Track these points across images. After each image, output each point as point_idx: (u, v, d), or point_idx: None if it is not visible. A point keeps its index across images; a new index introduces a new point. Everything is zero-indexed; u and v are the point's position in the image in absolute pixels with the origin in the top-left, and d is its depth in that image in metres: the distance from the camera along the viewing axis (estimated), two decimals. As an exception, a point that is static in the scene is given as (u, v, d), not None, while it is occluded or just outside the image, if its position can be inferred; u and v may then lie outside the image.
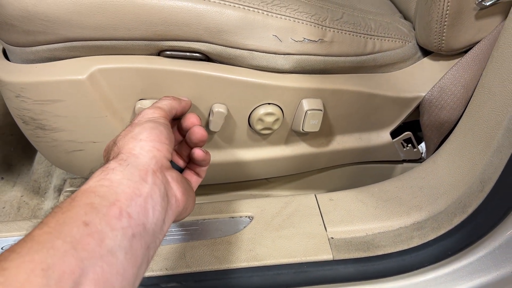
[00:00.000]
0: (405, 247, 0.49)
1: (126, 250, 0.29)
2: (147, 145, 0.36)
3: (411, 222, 0.51)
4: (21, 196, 0.73)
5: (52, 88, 0.50)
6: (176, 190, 0.36)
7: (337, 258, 0.49)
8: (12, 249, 0.25)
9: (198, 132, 0.44)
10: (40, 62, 0.51)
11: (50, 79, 0.50)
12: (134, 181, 0.32)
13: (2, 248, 0.50)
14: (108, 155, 0.38)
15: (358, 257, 0.49)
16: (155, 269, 0.48)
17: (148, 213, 0.32)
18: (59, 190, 0.72)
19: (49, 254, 0.25)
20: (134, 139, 0.36)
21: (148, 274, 0.47)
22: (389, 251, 0.49)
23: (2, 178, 0.76)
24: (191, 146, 0.45)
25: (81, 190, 0.31)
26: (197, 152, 0.43)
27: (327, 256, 0.49)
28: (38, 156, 0.77)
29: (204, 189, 0.69)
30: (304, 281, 0.49)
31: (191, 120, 0.45)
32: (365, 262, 0.49)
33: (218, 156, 0.60)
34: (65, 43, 0.49)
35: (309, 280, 0.49)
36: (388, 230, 0.52)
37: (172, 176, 0.36)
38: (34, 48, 0.50)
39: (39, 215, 0.70)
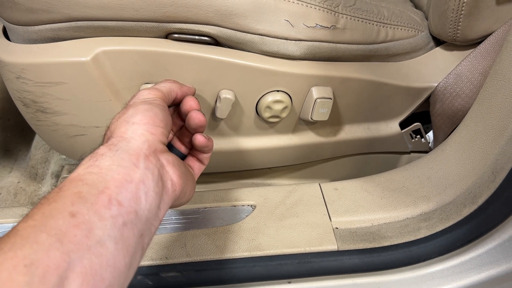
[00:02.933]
0: (412, 238, 0.48)
1: (117, 239, 0.28)
2: (139, 129, 0.34)
3: (418, 213, 0.50)
4: (18, 182, 0.71)
5: (54, 69, 0.49)
6: (173, 174, 0.34)
7: (342, 248, 0.48)
8: None
9: (196, 117, 0.41)
10: (43, 43, 0.50)
11: (52, 60, 0.48)
12: (124, 167, 0.31)
13: (-2, 234, 0.49)
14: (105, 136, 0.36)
15: (364, 248, 0.48)
16: (155, 258, 0.47)
17: (140, 200, 0.30)
18: (57, 177, 0.70)
19: (32, 249, 0.24)
20: (127, 122, 0.35)
21: (148, 263, 0.46)
22: (396, 242, 0.48)
23: (-1, 163, 0.74)
24: (191, 132, 0.43)
25: (69, 178, 0.29)
26: (198, 138, 0.41)
27: (332, 246, 0.48)
28: (36, 142, 0.76)
29: (206, 177, 0.68)
30: (308, 272, 0.48)
31: (189, 103, 0.42)
32: (371, 253, 0.48)
33: (224, 143, 0.58)
34: (69, 23, 0.48)
35: (313, 271, 0.48)
36: (395, 221, 0.50)
37: (167, 160, 0.35)
38: (37, 28, 0.49)
39: (36, 201, 0.68)
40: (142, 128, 0.34)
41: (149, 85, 0.50)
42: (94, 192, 0.28)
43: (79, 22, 0.48)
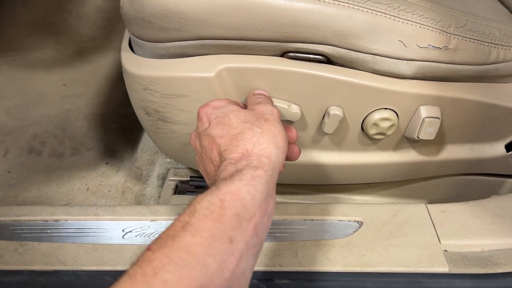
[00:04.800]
0: (528, 267, 0.47)
1: (251, 269, 0.30)
2: (280, 157, 0.36)
3: (534, 242, 0.49)
4: (125, 181, 0.77)
5: (180, 83, 0.53)
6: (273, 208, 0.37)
7: (453, 271, 0.48)
8: (167, 255, 0.26)
9: (296, 152, 0.44)
10: (169, 57, 0.54)
11: (179, 74, 0.52)
12: (269, 195, 0.32)
13: (123, 231, 0.54)
14: (234, 135, 0.37)
15: (476, 273, 0.48)
16: (269, 265, 0.49)
17: (265, 232, 0.32)
18: (163, 179, 0.76)
19: (202, 272, 0.26)
20: (274, 143, 0.36)
21: (262, 268, 0.49)
22: (510, 270, 0.47)
23: (107, 163, 0.81)
24: None
25: (230, 191, 0.30)
26: (281, 169, 0.43)
27: (443, 268, 0.48)
28: (143, 145, 0.82)
29: (302, 188, 0.70)
30: (417, 292, 0.48)
31: (291, 134, 0.45)
32: (483, 279, 0.47)
33: (325, 157, 0.60)
34: (196, 41, 0.52)
35: (423, 292, 0.48)
36: (508, 248, 0.49)
37: None
38: (166, 44, 0.53)
39: (142, 201, 0.74)
40: (281, 157, 0.36)
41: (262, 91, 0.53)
42: (247, 218, 0.30)
43: (205, 40, 0.51)
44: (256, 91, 0.52)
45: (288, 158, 0.44)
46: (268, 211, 0.32)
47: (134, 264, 0.26)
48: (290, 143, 0.43)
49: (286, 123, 0.55)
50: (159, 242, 0.27)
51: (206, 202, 0.30)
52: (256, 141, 0.35)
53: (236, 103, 0.46)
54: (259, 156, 0.34)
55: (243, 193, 0.31)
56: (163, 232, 0.28)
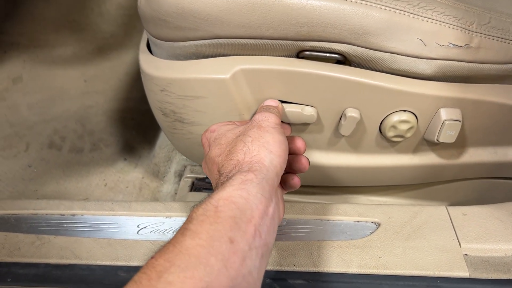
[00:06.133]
0: (553, 274, 0.45)
1: (258, 270, 0.30)
2: (275, 160, 0.36)
3: (559, 248, 0.47)
4: (142, 178, 0.78)
5: (197, 85, 0.53)
6: (281, 209, 0.37)
7: (473, 276, 0.47)
8: (169, 260, 0.27)
9: (304, 164, 0.44)
10: (185, 57, 0.54)
11: (195, 76, 0.52)
12: (265, 198, 0.33)
13: (138, 226, 0.54)
14: (229, 150, 0.38)
15: (498, 278, 0.46)
16: (284, 264, 0.49)
17: (270, 233, 0.33)
18: (180, 176, 0.76)
19: (206, 271, 0.26)
20: (266, 149, 0.37)
21: (276, 268, 0.49)
22: (533, 277, 0.46)
23: (125, 159, 0.82)
24: (287, 170, 0.44)
25: (222, 197, 0.31)
26: (297, 182, 0.43)
27: (463, 273, 0.47)
28: (160, 142, 0.82)
29: (319, 188, 0.69)
30: (436, 297, 0.47)
31: (298, 145, 0.45)
32: (506, 285, 0.46)
33: (343, 159, 0.59)
34: (212, 40, 0.51)
35: (442, 296, 0.47)
36: (532, 254, 0.48)
37: (281, 194, 0.37)
38: (182, 44, 0.53)
39: (158, 197, 0.75)
40: (276, 160, 0.37)
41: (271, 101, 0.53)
42: (245, 220, 0.30)
43: (220, 39, 0.51)
44: (265, 102, 0.51)
45: (296, 170, 0.44)
46: (269, 214, 0.33)
47: (139, 271, 0.27)
48: (297, 154, 0.44)
49: (303, 126, 0.55)
50: (162, 249, 0.28)
51: (201, 210, 0.31)
52: (247, 150, 0.37)
53: (238, 122, 0.47)
54: (250, 163, 0.35)
55: (235, 197, 0.31)
56: (167, 242, 0.29)
